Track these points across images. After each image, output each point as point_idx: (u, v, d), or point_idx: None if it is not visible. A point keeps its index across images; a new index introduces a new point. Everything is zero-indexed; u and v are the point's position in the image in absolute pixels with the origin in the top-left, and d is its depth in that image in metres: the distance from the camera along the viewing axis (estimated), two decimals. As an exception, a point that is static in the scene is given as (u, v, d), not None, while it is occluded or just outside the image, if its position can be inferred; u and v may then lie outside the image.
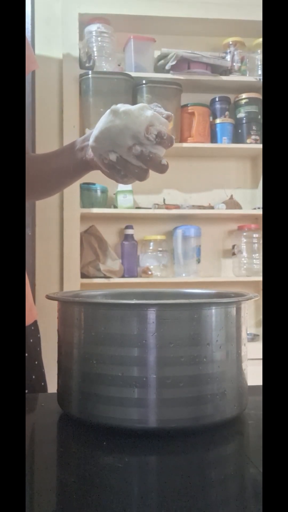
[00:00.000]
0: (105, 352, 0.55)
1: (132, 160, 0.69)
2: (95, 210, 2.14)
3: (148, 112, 0.69)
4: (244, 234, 2.33)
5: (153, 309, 0.54)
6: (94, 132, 0.72)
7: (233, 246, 2.35)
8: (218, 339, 0.56)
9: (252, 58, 2.31)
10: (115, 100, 2.28)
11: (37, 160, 0.89)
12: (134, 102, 2.21)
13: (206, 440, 0.54)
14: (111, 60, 2.19)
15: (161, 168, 0.69)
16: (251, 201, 2.42)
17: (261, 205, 2.34)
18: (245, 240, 2.32)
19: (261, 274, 2.26)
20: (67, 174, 0.86)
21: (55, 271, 2.13)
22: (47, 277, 2.12)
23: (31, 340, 0.91)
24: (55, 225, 2.13)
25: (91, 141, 0.72)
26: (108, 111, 0.71)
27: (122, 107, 0.70)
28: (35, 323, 0.95)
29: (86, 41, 2.17)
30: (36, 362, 0.92)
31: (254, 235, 2.33)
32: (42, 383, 0.92)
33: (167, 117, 0.72)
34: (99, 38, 2.16)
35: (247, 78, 2.27)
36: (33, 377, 0.89)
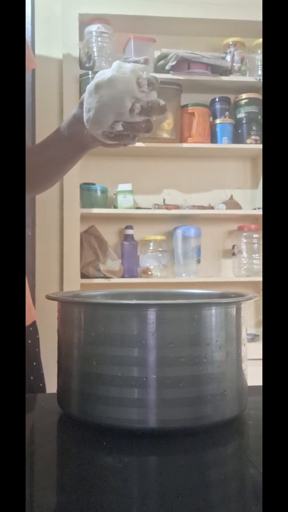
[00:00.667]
0: (105, 352, 0.55)
1: (136, 118, 0.70)
2: (95, 210, 2.14)
3: (127, 67, 0.70)
4: (244, 234, 2.33)
5: (153, 309, 0.54)
6: (88, 115, 0.72)
7: (233, 246, 2.35)
8: (218, 339, 0.56)
9: (252, 58, 2.31)
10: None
11: (32, 152, 0.90)
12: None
13: (206, 440, 0.54)
14: (111, 60, 2.19)
15: (162, 109, 0.71)
16: (251, 201, 2.42)
17: (261, 205, 2.34)
18: (245, 240, 2.32)
19: (261, 274, 2.26)
20: (66, 161, 0.87)
21: (55, 271, 2.13)
22: (47, 277, 2.12)
23: (30, 341, 0.91)
24: (55, 225, 2.13)
25: (88, 125, 0.72)
26: (91, 89, 0.72)
27: (101, 78, 0.70)
28: (33, 324, 0.95)
29: (86, 41, 2.17)
30: (35, 363, 0.92)
31: (254, 235, 2.33)
32: (41, 384, 0.92)
33: (145, 61, 0.73)
34: (99, 38, 2.16)
35: (247, 78, 2.27)
36: (31, 378, 0.89)
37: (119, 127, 0.70)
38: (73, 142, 0.82)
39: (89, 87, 0.72)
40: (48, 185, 0.96)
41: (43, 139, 0.90)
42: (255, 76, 2.29)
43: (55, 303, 0.64)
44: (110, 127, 0.71)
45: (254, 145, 2.27)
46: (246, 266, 2.31)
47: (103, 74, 0.70)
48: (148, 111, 0.70)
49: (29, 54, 0.92)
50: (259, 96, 2.29)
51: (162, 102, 0.71)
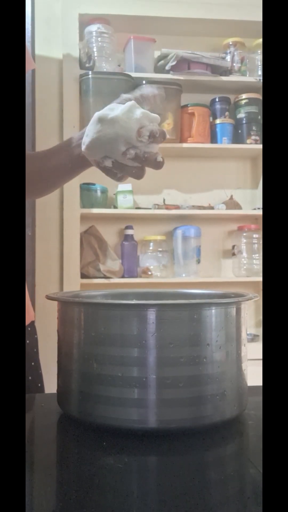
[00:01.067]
0: (105, 352, 0.55)
1: (128, 162, 0.70)
2: (95, 210, 2.14)
3: (136, 113, 0.68)
4: (244, 234, 2.33)
5: (153, 310, 0.54)
6: (85, 139, 0.72)
7: (233, 247, 2.35)
8: (218, 339, 0.56)
9: (252, 59, 2.31)
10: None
11: (36, 158, 0.89)
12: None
13: (206, 440, 0.54)
14: (111, 60, 2.19)
15: (157, 165, 0.70)
16: (251, 201, 2.42)
17: (261, 205, 2.34)
18: (245, 240, 2.32)
19: (261, 274, 2.26)
20: (66, 171, 0.86)
21: (55, 272, 2.13)
22: (47, 278, 2.12)
23: (28, 341, 0.91)
24: (55, 226, 2.13)
25: (83, 148, 0.73)
26: (95, 119, 0.70)
27: (108, 113, 0.69)
28: (32, 324, 0.95)
29: (86, 42, 2.17)
30: (33, 363, 0.92)
31: (254, 236, 2.33)
32: (39, 384, 0.92)
33: (154, 98, 0.72)
34: (99, 39, 2.16)
35: (247, 78, 2.27)
36: (30, 378, 0.89)
37: (108, 163, 0.70)
38: (77, 150, 0.81)
39: (95, 116, 0.71)
40: (47, 192, 0.96)
41: (49, 148, 0.89)
42: (255, 76, 2.29)
43: (55, 303, 0.64)
44: (100, 159, 0.71)
45: (254, 145, 2.27)
46: (246, 266, 2.31)
47: (111, 110, 0.70)
48: (142, 160, 0.69)
49: (27, 55, 0.92)
50: (259, 96, 2.29)
51: (159, 158, 0.69)
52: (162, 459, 0.51)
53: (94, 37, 2.16)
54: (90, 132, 0.71)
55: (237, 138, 2.30)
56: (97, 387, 0.55)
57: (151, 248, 2.28)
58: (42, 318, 2.00)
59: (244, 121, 2.29)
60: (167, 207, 2.24)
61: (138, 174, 0.72)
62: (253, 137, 2.28)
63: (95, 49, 2.16)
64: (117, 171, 0.72)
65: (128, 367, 0.54)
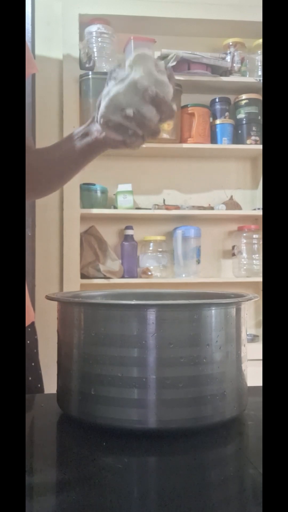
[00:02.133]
0: (105, 352, 0.55)
1: (147, 111, 0.70)
2: (95, 211, 2.14)
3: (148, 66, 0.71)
4: (244, 235, 2.33)
5: (153, 310, 0.54)
6: (103, 103, 0.73)
7: (233, 247, 2.35)
8: (218, 339, 0.56)
9: (252, 59, 2.31)
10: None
11: (40, 153, 0.90)
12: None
13: (205, 440, 0.54)
14: (111, 60, 2.19)
15: (172, 112, 0.72)
16: (251, 201, 2.42)
17: (261, 206, 2.34)
18: (245, 241, 2.32)
19: (261, 275, 2.26)
20: (70, 161, 0.87)
21: (55, 272, 2.13)
22: (47, 278, 2.12)
23: (28, 342, 0.91)
24: (55, 226, 2.13)
25: (101, 110, 0.73)
26: (108, 77, 0.74)
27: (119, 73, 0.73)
28: (32, 325, 0.95)
29: (86, 42, 2.17)
30: (33, 364, 0.92)
31: (254, 236, 2.33)
32: (39, 385, 0.91)
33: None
34: (99, 39, 2.16)
35: (247, 79, 2.27)
36: (30, 378, 0.89)
37: (130, 112, 0.70)
38: (82, 141, 0.82)
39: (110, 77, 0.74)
40: (49, 190, 0.95)
41: (52, 144, 0.90)
42: (255, 76, 2.29)
43: (55, 303, 0.64)
44: (119, 112, 0.71)
45: (254, 146, 2.27)
46: (246, 267, 2.31)
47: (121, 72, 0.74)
48: (160, 102, 0.70)
49: (29, 58, 0.92)
50: (259, 96, 2.29)
51: (174, 107, 0.72)
52: (162, 459, 0.51)
53: (94, 37, 2.16)
54: (109, 94, 0.72)
55: (237, 138, 2.31)
56: (97, 387, 0.55)
57: (151, 248, 2.28)
58: (42, 318, 2.00)
59: (244, 122, 2.29)
60: (167, 207, 2.24)
61: (155, 130, 0.72)
62: (253, 138, 2.28)
63: (95, 50, 2.17)
64: (137, 123, 0.71)
65: (128, 368, 0.54)
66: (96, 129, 0.79)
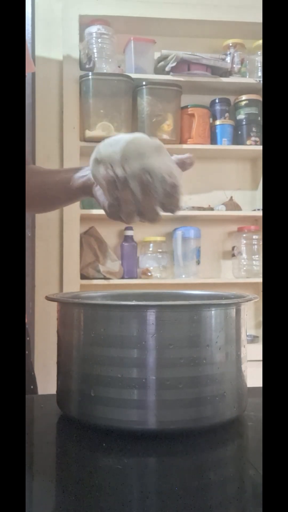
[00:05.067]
0: (105, 353, 0.55)
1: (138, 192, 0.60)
2: (95, 211, 2.14)
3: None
4: (244, 235, 2.33)
5: (153, 311, 0.54)
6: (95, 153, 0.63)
7: (233, 248, 2.35)
8: (218, 340, 0.56)
9: (252, 60, 2.31)
10: (115, 101, 2.27)
11: (39, 172, 0.89)
12: (134, 103, 2.22)
13: (205, 441, 0.54)
14: (111, 61, 2.19)
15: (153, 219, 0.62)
16: (251, 202, 2.42)
17: (261, 206, 2.34)
18: (244, 241, 2.32)
19: (261, 275, 2.26)
20: (65, 191, 0.83)
21: (55, 272, 2.13)
22: (47, 278, 2.11)
23: None
24: (54, 226, 2.13)
25: (95, 154, 0.62)
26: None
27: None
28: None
29: (86, 43, 2.17)
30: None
31: (254, 237, 2.33)
32: (32, 386, 0.91)
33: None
34: (99, 40, 2.16)
35: (247, 79, 2.28)
36: None
37: (120, 172, 0.59)
38: (77, 182, 0.78)
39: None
40: (46, 208, 0.95)
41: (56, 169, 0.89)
42: (255, 77, 2.29)
43: (55, 304, 0.64)
44: (111, 166, 0.60)
45: (254, 147, 2.27)
46: (246, 268, 2.31)
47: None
48: (167, 194, 0.60)
49: (27, 57, 0.92)
50: (259, 97, 2.30)
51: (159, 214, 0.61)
52: (162, 460, 0.51)
53: (94, 38, 2.16)
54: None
55: (237, 139, 2.31)
56: (97, 388, 0.55)
57: (150, 249, 2.28)
58: (42, 319, 2.00)
59: (244, 122, 2.29)
60: (167, 208, 2.24)
61: (154, 214, 0.62)
62: (253, 138, 2.28)
63: (95, 50, 2.17)
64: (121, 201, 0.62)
65: (128, 368, 0.54)
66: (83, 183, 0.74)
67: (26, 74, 0.92)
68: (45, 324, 1.93)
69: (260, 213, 2.29)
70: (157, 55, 2.25)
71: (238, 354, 0.60)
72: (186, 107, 2.23)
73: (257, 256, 2.31)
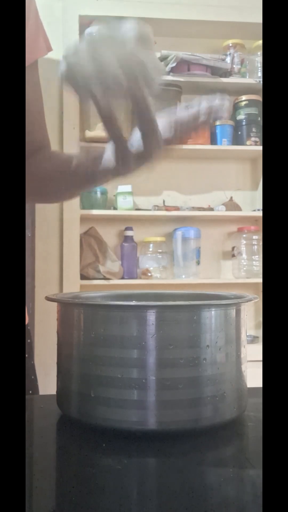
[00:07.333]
0: (105, 353, 0.55)
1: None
2: (95, 212, 2.14)
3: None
4: (244, 236, 2.33)
5: (153, 311, 0.54)
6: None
7: (233, 248, 2.35)
8: (218, 341, 0.56)
9: (252, 60, 2.31)
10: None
11: (61, 156, 0.87)
12: (134, 103, 2.22)
13: (205, 442, 0.54)
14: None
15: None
16: (251, 203, 2.42)
17: (260, 207, 2.35)
18: (244, 242, 2.33)
19: (261, 276, 2.26)
20: (84, 175, 0.79)
21: (55, 273, 2.13)
22: (47, 279, 2.12)
23: None
24: (54, 227, 2.13)
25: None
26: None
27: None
28: (25, 327, 0.93)
29: (86, 43, 2.17)
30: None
31: (254, 237, 2.33)
32: (30, 391, 0.89)
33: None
34: (99, 40, 2.16)
35: (247, 80, 2.28)
36: None
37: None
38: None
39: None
40: (65, 195, 0.92)
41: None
42: (255, 78, 2.29)
43: (55, 304, 0.64)
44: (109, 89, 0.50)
45: (254, 147, 2.27)
46: (246, 268, 2.31)
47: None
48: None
49: (45, 37, 0.91)
50: (259, 98, 2.30)
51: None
52: (162, 460, 0.51)
53: (94, 38, 2.16)
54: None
55: (237, 139, 2.31)
56: (97, 388, 0.55)
57: (150, 249, 2.28)
58: (42, 319, 2.00)
59: (244, 123, 2.29)
60: (167, 208, 2.24)
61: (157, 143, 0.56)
62: (253, 139, 2.28)
63: (95, 51, 2.16)
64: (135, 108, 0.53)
65: (128, 369, 0.54)
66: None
67: (44, 55, 0.90)
68: (45, 324, 1.93)
69: (260, 214, 2.29)
70: (157, 55, 2.25)
71: (238, 355, 0.60)
72: (186, 107, 2.23)
73: (257, 256, 2.31)
